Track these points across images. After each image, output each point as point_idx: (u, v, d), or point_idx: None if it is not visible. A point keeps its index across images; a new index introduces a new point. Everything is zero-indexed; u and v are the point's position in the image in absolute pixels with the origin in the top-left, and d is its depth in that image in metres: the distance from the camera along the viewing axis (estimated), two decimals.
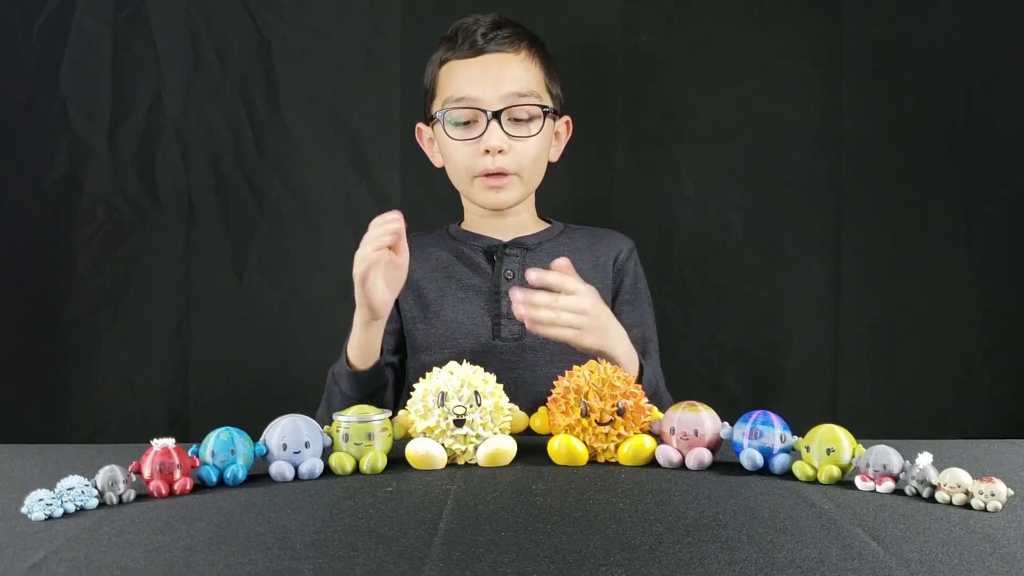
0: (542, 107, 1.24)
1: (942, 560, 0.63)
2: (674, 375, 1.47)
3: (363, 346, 1.15)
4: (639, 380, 1.11)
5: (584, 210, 1.48)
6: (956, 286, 1.47)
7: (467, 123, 1.24)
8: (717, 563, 0.62)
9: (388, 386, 1.22)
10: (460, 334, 1.24)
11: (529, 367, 1.23)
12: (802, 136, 1.48)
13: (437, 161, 1.32)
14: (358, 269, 1.07)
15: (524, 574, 0.60)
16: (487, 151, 1.22)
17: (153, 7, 1.46)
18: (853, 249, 1.48)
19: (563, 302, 1.05)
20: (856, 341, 1.48)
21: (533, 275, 1.05)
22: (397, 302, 1.27)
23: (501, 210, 1.29)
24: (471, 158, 1.24)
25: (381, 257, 1.07)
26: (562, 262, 1.07)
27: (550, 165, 1.32)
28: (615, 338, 1.11)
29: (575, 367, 0.95)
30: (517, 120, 1.23)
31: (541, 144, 1.26)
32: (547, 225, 1.34)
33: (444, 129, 1.25)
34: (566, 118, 1.33)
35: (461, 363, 0.94)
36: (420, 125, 1.34)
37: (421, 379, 0.94)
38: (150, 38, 1.46)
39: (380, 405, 1.10)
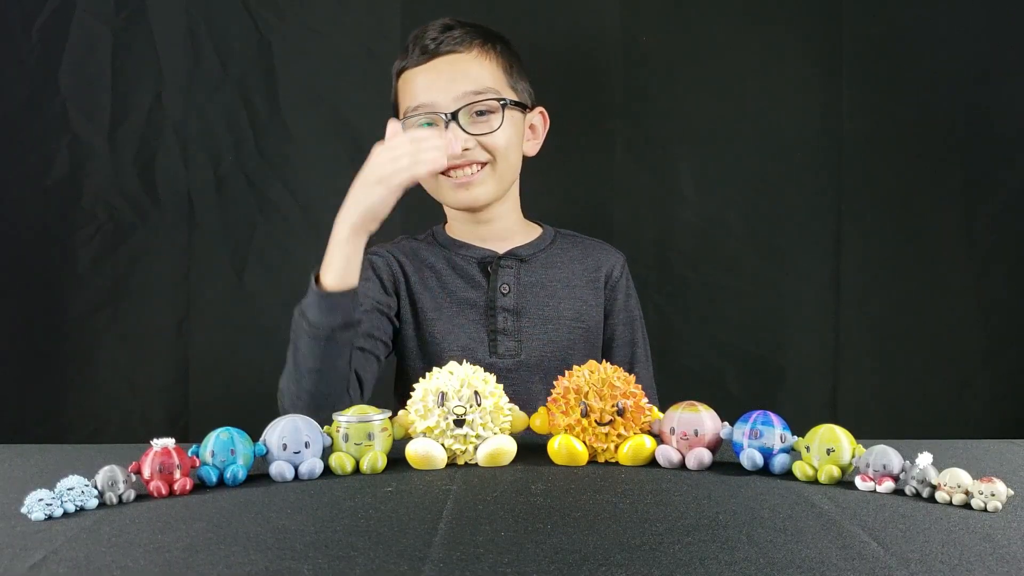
0: (499, 100, 1.21)
1: (942, 560, 0.63)
2: (674, 375, 1.47)
3: (344, 262, 1.09)
4: None
5: (583, 210, 1.49)
6: (956, 286, 1.47)
7: (428, 126, 1.21)
8: (717, 563, 0.62)
9: (357, 336, 1.12)
10: (456, 350, 1.22)
11: (525, 384, 1.22)
12: (802, 136, 1.48)
13: None
14: (400, 177, 1.09)
15: (524, 574, 0.60)
16: None
17: (153, 7, 1.46)
18: (853, 249, 1.48)
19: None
20: (856, 341, 1.48)
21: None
22: (398, 298, 1.26)
23: (475, 209, 1.26)
24: None
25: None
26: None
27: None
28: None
29: (575, 367, 0.95)
30: (479, 114, 1.21)
31: (509, 136, 1.22)
32: (537, 230, 1.32)
33: None
34: (540, 109, 1.30)
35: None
36: None
37: (421, 379, 0.94)
38: (150, 38, 1.46)
39: (347, 366, 1.10)
